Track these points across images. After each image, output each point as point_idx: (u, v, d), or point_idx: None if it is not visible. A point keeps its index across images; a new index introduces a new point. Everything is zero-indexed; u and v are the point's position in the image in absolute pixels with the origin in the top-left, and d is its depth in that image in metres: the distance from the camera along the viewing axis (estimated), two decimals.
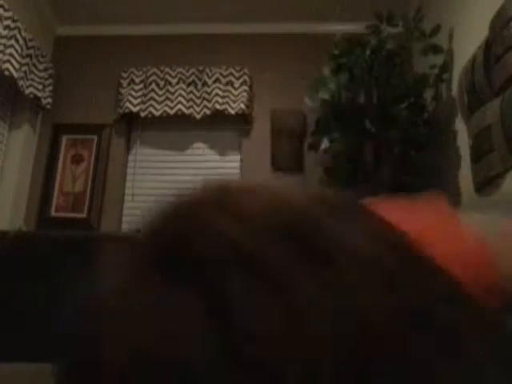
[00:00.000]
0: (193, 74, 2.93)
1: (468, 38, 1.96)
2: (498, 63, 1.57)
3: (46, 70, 2.83)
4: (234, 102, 2.83)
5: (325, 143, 2.02)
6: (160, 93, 2.89)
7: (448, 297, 0.23)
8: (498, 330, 0.25)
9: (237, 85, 2.88)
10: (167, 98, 2.87)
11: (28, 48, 2.62)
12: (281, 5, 2.95)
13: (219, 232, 0.20)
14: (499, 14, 1.57)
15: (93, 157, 2.86)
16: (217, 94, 2.84)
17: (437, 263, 0.24)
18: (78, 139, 2.91)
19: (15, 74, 2.47)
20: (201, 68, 2.94)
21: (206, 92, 2.86)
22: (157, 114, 2.83)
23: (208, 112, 2.81)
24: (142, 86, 2.91)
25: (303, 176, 2.76)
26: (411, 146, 2.02)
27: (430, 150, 2.35)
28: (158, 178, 2.91)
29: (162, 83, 2.91)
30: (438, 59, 2.32)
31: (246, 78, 2.90)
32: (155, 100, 2.87)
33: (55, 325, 0.98)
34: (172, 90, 2.89)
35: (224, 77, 2.90)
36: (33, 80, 2.68)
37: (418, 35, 2.08)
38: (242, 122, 2.93)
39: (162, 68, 2.96)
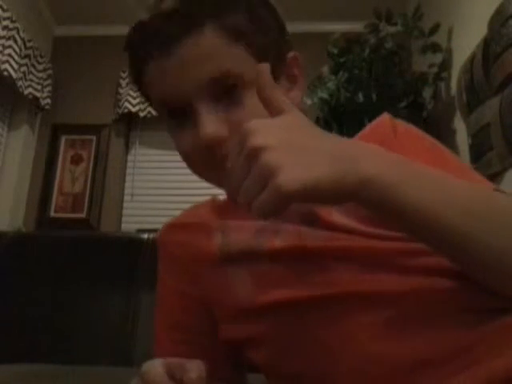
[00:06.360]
0: None
1: (467, 37, 1.96)
2: (496, 61, 1.57)
3: (44, 70, 2.83)
4: None
5: None
6: None
7: None
8: None
9: None
10: None
11: (27, 48, 2.61)
12: (279, 5, 2.94)
13: None
14: (498, 12, 1.57)
15: (92, 157, 2.86)
16: None
17: None
18: (77, 139, 2.91)
19: (14, 75, 2.46)
20: None
21: None
22: (156, 113, 2.83)
23: None
24: None
25: None
26: None
27: None
28: (158, 177, 2.90)
29: None
30: (437, 58, 2.32)
31: None
32: None
33: (57, 326, 0.98)
34: None
35: None
36: (31, 80, 2.68)
37: (417, 34, 2.08)
38: None
39: None
